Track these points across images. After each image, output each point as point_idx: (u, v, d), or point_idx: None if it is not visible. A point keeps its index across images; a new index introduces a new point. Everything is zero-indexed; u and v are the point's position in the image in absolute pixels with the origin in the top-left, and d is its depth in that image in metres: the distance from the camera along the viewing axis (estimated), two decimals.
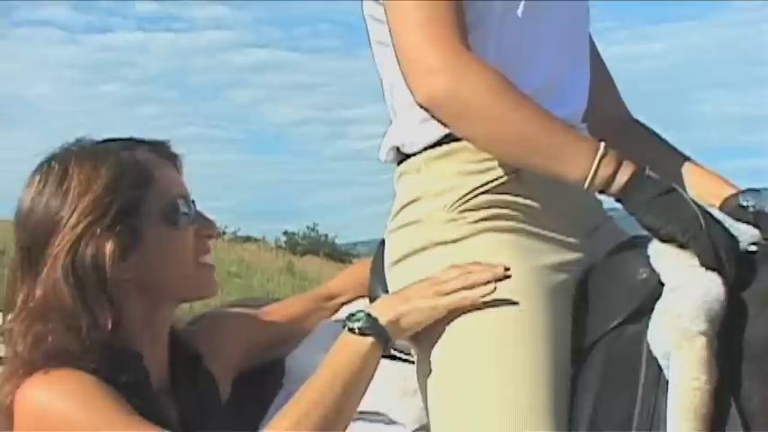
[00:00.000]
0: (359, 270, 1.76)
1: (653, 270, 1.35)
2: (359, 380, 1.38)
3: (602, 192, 1.35)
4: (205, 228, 1.51)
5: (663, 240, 1.33)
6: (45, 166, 1.44)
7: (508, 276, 1.36)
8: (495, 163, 1.43)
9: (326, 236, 29.89)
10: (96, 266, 1.38)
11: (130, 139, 1.50)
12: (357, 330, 1.38)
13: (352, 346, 1.38)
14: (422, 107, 1.38)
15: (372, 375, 1.40)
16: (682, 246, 1.31)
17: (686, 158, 1.61)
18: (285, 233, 30.26)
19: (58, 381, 1.33)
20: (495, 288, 1.35)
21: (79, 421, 1.31)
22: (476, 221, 1.42)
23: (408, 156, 1.50)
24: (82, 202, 1.39)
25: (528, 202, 1.44)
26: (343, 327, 1.41)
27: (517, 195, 1.43)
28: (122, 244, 1.39)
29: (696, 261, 1.30)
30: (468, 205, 1.42)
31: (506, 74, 1.37)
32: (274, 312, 1.70)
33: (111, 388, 1.34)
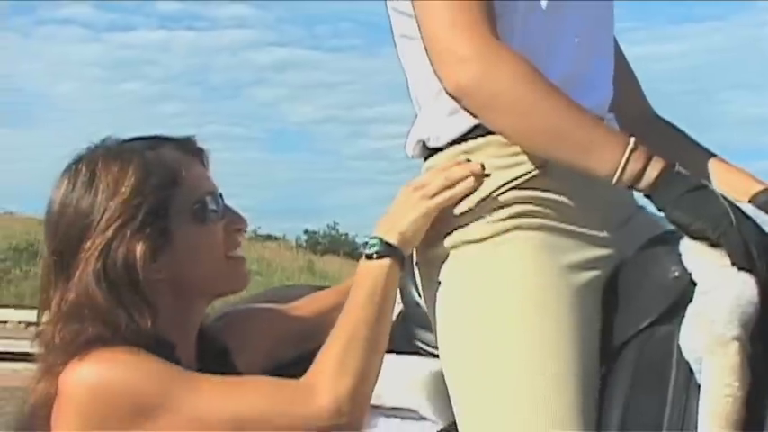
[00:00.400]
0: None
1: (684, 268, 1.32)
2: (388, 298, 1.44)
3: (630, 187, 1.33)
4: (234, 222, 1.52)
5: (693, 237, 1.31)
6: (72, 169, 1.45)
7: (486, 174, 1.40)
8: (522, 158, 1.41)
9: (347, 235, 29.97)
10: (128, 269, 1.39)
11: (156, 137, 1.50)
12: (375, 256, 1.44)
13: (376, 269, 1.44)
14: (451, 96, 1.37)
15: (396, 295, 1.47)
16: (713, 243, 1.28)
17: (712, 155, 1.59)
18: (306, 232, 30.35)
19: (105, 357, 1.35)
20: (474, 182, 1.40)
21: (137, 383, 1.33)
22: (503, 219, 1.40)
23: (434, 150, 1.49)
24: (110, 206, 1.40)
25: (556, 197, 1.42)
26: (360, 256, 1.47)
27: (545, 191, 1.41)
28: (153, 245, 1.40)
29: (728, 260, 1.27)
30: (495, 202, 1.41)
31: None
32: (304, 306, 1.70)
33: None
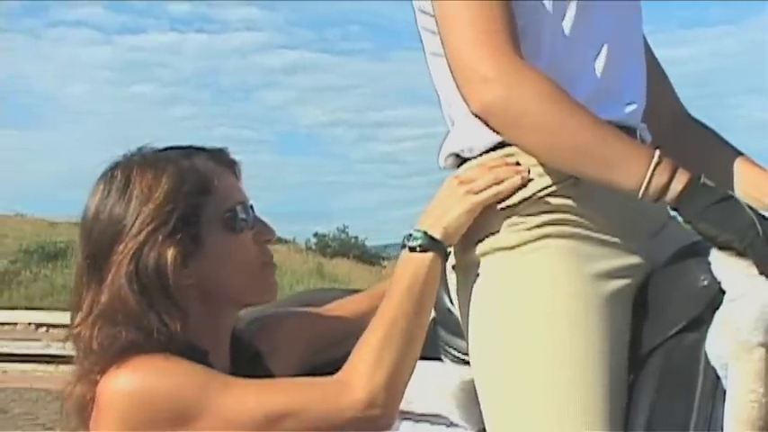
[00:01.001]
0: None
1: (714, 277, 1.33)
2: (429, 292, 1.46)
3: (656, 200, 1.32)
4: (263, 233, 1.54)
5: (721, 248, 1.31)
6: (108, 175, 1.48)
7: (531, 179, 1.40)
8: (554, 167, 1.41)
9: (356, 238, 29.96)
10: (159, 273, 1.41)
11: (190, 148, 1.53)
12: (418, 249, 1.45)
13: (419, 260, 1.45)
14: (476, 116, 1.37)
15: (436, 289, 1.48)
16: (741, 252, 1.29)
17: (744, 157, 1.58)
18: (315, 235, 30.36)
19: (142, 364, 1.37)
20: (521, 180, 1.40)
21: (174, 389, 1.35)
22: (534, 227, 1.40)
23: (468, 160, 1.49)
24: (144, 211, 1.42)
25: (587, 205, 1.41)
26: (402, 247, 1.48)
27: (576, 200, 1.41)
28: (183, 251, 1.42)
29: (755, 269, 1.27)
30: (527, 210, 1.41)
31: (560, 77, 1.36)
32: (337, 310, 1.71)
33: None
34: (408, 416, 1.54)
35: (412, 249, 1.45)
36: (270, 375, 1.53)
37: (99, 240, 1.44)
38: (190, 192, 1.44)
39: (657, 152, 1.32)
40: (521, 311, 1.38)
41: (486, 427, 1.41)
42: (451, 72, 1.37)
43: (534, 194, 1.41)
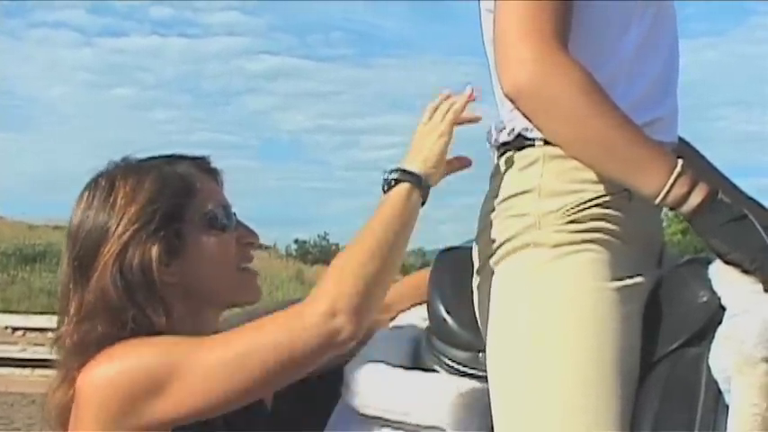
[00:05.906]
0: (415, 280, 1.75)
1: (713, 292, 1.34)
2: (406, 219, 1.48)
3: (672, 209, 1.33)
4: (245, 236, 1.56)
5: (727, 263, 1.31)
6: (93, 184, 1.49)
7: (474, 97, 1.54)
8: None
9: (337, 245, 29.95)
10: (143, 270, 1.43)
11: (172, 155, 1.55)
12: (394, 182, 1.49)
13: (395, 194, 1.49)
14: (507, 97, 1.35)
15: (416, 217, 1.50)
16: (745, 270, 1.29)
17: (724, 179, 1.60)
18: (296, 241, 30.34)
19: (116, 351, 1.38)
20: (472, 91, 1.55)
21: (148, 361, 1.36)
22: (581, 231, 1.39)
23: (528, 139, 1.45)
24: (128, 212, 1.45)
25: (632, 222, 1.41)
26: (383, 188, 1.51)
27: (626, 212, 1.41)
28: (167, 248, 1.44)
29: (760, 286, 1.28)
30: (578, 216, 1.40)
31: (632, 73, 1.39)
32: None
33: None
34: (404, 428, 1.51)
35: (388, 185, 1.49)
36: None
37: (84, 245, 1.45)
38: (172, 193, 1.47)
39: (681, 162, 1.32)
40: (550, 307, 1.36)
41: (496, 421, 1.38)
42: (494, 54, 1.37)
43: (588, 201, 1.39)
